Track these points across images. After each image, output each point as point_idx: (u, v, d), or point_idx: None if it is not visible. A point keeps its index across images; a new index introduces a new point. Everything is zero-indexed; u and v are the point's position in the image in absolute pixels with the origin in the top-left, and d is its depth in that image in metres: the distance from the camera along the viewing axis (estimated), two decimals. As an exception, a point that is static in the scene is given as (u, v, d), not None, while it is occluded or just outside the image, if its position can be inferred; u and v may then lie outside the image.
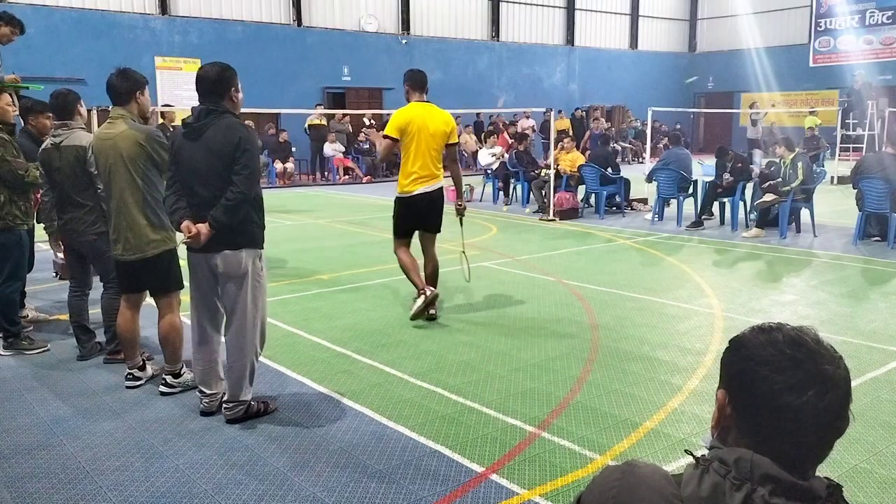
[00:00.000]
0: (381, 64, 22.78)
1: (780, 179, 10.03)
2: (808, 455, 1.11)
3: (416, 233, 6.10)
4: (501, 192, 14.37)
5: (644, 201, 13.00)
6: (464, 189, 14.78)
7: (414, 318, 5.83)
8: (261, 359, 4.89)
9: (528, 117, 22.21)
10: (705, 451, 1.20)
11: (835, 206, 12.86)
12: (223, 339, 4.14)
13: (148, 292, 4.60)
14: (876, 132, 17.06)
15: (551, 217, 11.72)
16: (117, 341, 4.84)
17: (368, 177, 19.23)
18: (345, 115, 20.26)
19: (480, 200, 14.53)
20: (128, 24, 18.63)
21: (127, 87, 4.36)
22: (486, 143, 16.11)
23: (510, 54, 25.85)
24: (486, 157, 14.93)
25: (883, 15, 25.31)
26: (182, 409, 4.21)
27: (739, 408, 1.16)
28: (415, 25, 23.61)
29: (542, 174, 12.82)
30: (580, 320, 6.00)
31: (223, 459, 3.56)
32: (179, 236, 4.05)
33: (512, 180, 14.22)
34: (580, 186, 12.81)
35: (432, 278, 6.04)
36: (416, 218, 5.98)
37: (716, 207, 11.37)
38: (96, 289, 5.27)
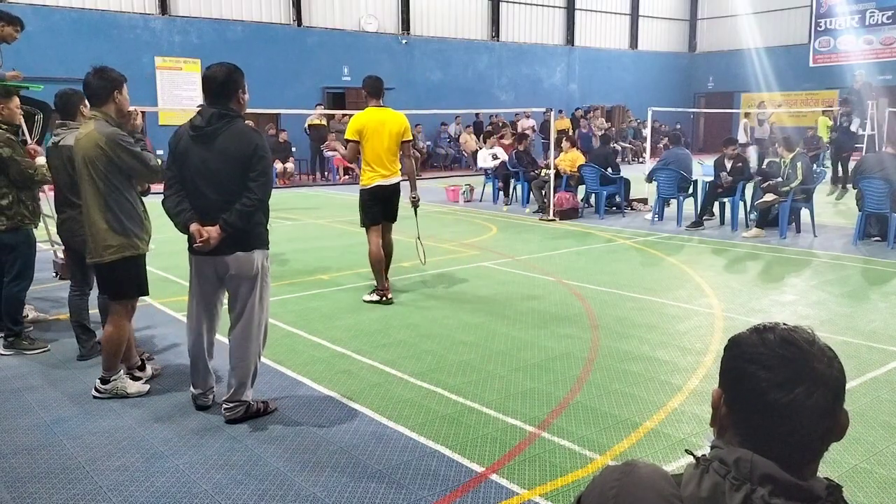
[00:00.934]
0: (382, 64, 22.74)
1: (779, 179, 10.02)
2: (798, 453, 1.11)
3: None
4: (501, 192, 14.38)
5: (644, 201, 13.00)
6: (464, 189, 14.83)
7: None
8: (262, 359, 4.92)
9: (528, 117, 22.21)
10: (707, 451, 1.20)
11: (835, 206, 12.86)
12: (216, 339, 4.18)
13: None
14: (869, 132, 17.04)
15: (551, 217, 11.72)
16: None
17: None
18: (344, 115, 20.27)
19: (480, 200, 14.53)
20: (128, 24, 18.63)
21: (103, 87, 4.24)
22: (485, 143, 16.11)
23: (510, 54, 25.85)
24: (486, 157, 14.93)
25: (883, 15, 25.31)
26: (182, 409, 4.21)
27: (732, 405, 1.17)
28: (415, 25, 23.60)
29: (542, 174, 12.82)
30: (580, 320, 6.00)
31: (223, 459, 3.56)
32: (181, 238, 4.05)
33: (512, 180, 14.22)
34: (580, 186, 12.81)
35: (387, 259, 6.77)
36: (381, 207, 6.64)
37: (716, 207, 11.37)
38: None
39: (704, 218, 11.15)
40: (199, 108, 3.92)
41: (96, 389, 4.39)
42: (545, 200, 12.15)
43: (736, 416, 1.16)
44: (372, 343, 5.40)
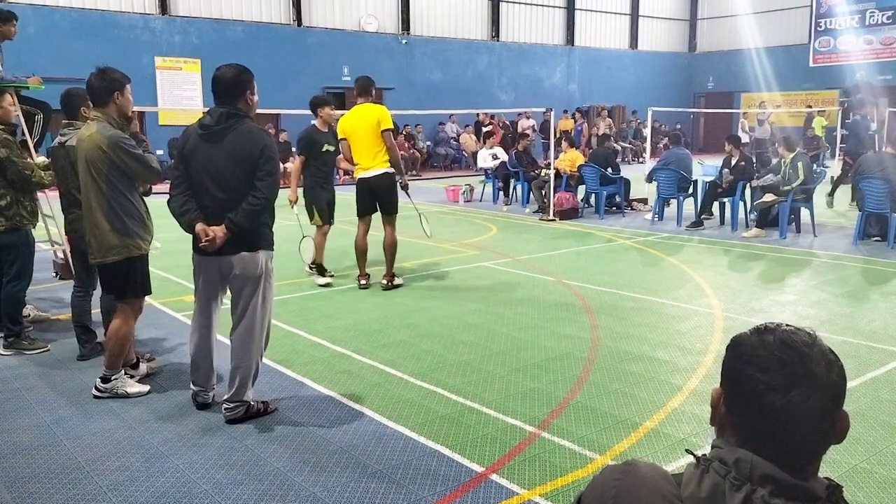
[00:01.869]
0: (381, 64, 22.76)
1: (779, 178, 10.02)
2: (796, 454, 1.11)
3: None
4: (501, 192, 14.38)
5: (644, 201, 13.00)
6: (464, 189, 14.83)
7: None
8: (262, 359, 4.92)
9: (528, 117, 22.21)
10: (707, 451, 1.20)
11: (835, 206, 12.86)
12: (217, 339, 4.19)
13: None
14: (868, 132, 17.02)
15: (551, 217, 11.72)
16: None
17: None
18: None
19: (480, 200, 14.53)
20: (128, 24, 18.63)
21: (103, 88, 4.24)
22: (485, 143, 16.11)
23: (510, 54, 25.85)
24: (486, 157, 14.93)
25: (883, 15, 25.30)
26: (182, 409, 4.21)
27: (730, 406, 1.17)
28: (415, 25, 23.60)
29: (542, 174, 12.82)
30: (580, 320, 6.00)
31: (223, 459, 3.56)
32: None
33: (512, 180, 14.22)
34: (580, 186, 12.81)
35: (388, 252, 7.09)
36: (364, 199, 7.01)
37: (716, 207, 11.37)
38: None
39: (704, 218, 11.15)
40: (207, 110, 3.93)
41: (97, 388, 4.40)
42: (545, 200, 12.15)
43: (734, 416, 1.16)
44: (372, 343, 5.40)
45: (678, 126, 23.20)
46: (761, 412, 1.11)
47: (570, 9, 27.34)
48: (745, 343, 1.17)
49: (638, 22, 29.60)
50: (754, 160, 11.87)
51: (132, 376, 4.62)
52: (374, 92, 7.05)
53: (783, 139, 10.43)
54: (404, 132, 21.62)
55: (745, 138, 20.58)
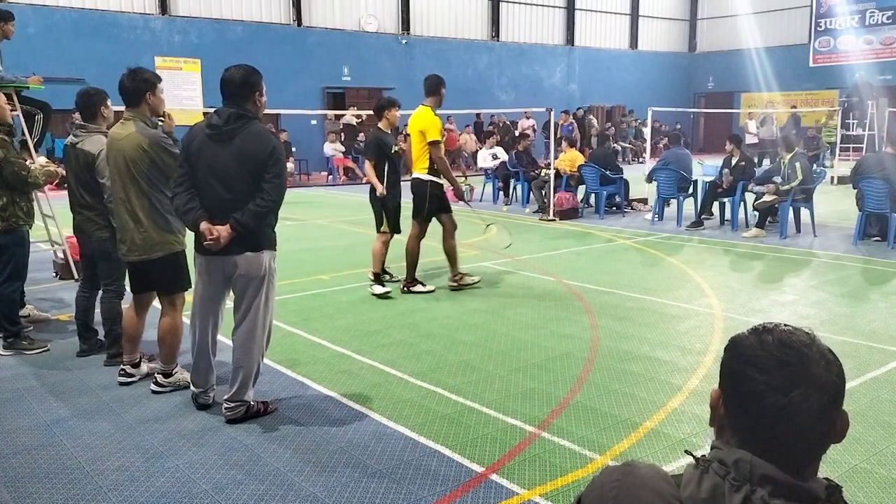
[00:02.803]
0: (381, 64, 22.78)
1: (779, 179, 10.02)
2: (795, 455, 1.11)
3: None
4: (501, 192, 14.37)
5: (644, 201, 13.00)
6: (464, 188, 14.85)
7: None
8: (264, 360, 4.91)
9: (528, 117, 22.20)
10: (707, 451, 1.20)
11: (835, 206, 12.86)
12: (218, 339, 4.19)
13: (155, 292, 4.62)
14: (868, 132, 17.04)
15: (551, 217, 11.72)
16: (118, 345, 4.85)
17: (369, 177, 19.24)
18: (339, 115, 20.27)
19: (480, 200, 14.52)
20: (128, 24, 18.64)
21: (136, 88, 4.34)
22: (485, 143, 16.11)
23: (510, 54, 25.85)
24: (486, 157, 14.93)
25: (883, 15, 25.31)
26: (182, 409, 4.21)
27: (729, 406, 1.17)
28: (415, 25, 23.61)
29: (542, 174, 12.82)
30: (580, 320, 6.00)
31: (223, 459, 3.56)
32: (189, 237, 4.06)
33: (512, 180, 14.22)
34: (580, 186, 12.81)
35: (448, 257, 7.07)
36: (413, 203, 7.03)
37: (716, 207, 11.37)
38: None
39: (704, 218, 11.15)
40: (214, 109, 3.94)
41: (157, 384, 4.45)
42: (545, 200, 12.15)
43: (733, 417, 1.16)
44: (372, 343, 5.40)
45: (678, 126, 23.22)
46: (761, 413, 1.11)
47: (570, 9, 27.35)
48: (743, 343, 1.17)
49: (638, 22, 29.60)
50: (756, 160, 11.89)
51: (132, 374, 4.64)
52: (441, 92, 6.94)
53: (782, 138, 10.43)
54: (404, 132, 21.62)
55: (751, 139, 20.57)
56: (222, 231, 3.78)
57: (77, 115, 5.09)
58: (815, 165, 13.78)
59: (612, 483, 1.19)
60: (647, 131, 16.57)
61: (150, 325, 4.87)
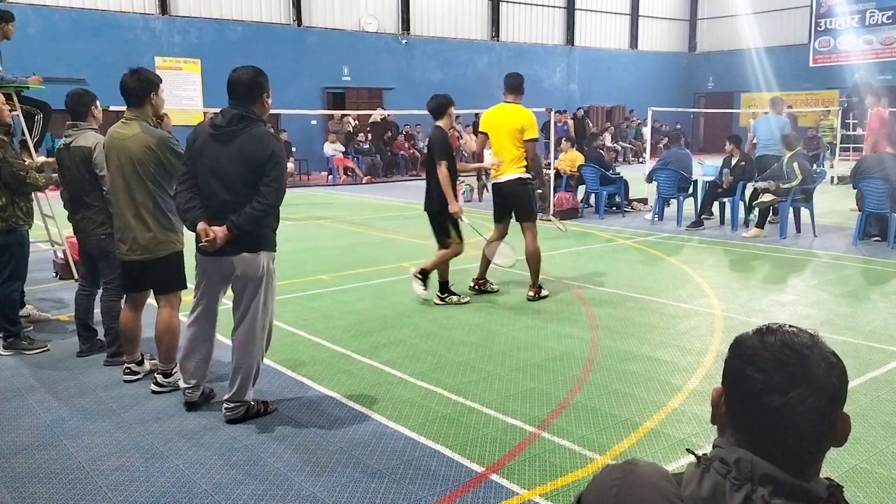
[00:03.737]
0: (381, 64, 22.77)
1: (770, 183, 10.02)
2: (793, 455, 1.11)
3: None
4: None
5: (644, 201, 13.00)
6: (464, 189, 14.80)
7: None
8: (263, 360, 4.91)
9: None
10: (707, 451, 1.20)
11: (835, 206, 12.86)
12: (217, 339, 4.20)
13: (151, 291, 4.62)
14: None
15: (551, 217, 11.71)
16: (118, 344, 4.85)
17: (368, 177, 19.25)
18: (343, 115, 20.27)
19: (480, 201, 14.53)
20: (128, 24, 18.64)
21: (140, 89, 4.36)
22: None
23: (510, 54, 25.85)
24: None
25: (883, 15, 25.31)
26: (182, 409, 4.20)
27: (730, 405, 1.18)
28: (415, 25, 23.61)
29: (543, 174, 12.82)
30: (580, 320, 6.00)
31: (223, 459, 3.56)
32: (189, 236, 4.06)
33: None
34: (580, 186, 12.81)
35: (530, 262, 6.67)
36: (498, 205, 6.82)
37: (716, 207, 11.37)
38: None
39: (704, 218, 11.15)
40: (220, 110, 3.94)
41: (157, 383, 4.45)
42: (545, 200, 12.15)
43: (733, 416, 1.17)
44: (372, 343, 5.40)
45: (678, 126, 23.21)
46: (759, 412, 1.11)
47: (570, 9, 27.35)
48: (746, 343, 1.17)
49: (638, 22, 29.60)
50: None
51: (136, 372, 4.65)
52: (523, 91, 6.84)
53: (783, 137, 10.42)
54: (404, 132, 21.63)
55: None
56: (219, 232, 3.78)
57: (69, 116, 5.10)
58: (814, 165, 13.77)
59: (612, 481, 1.19)
60: (646, 131, 16.55)
61: (148, 325, 4.87)
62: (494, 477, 3.38)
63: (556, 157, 12.58)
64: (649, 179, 12.04)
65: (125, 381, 4.62)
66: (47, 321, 6.07)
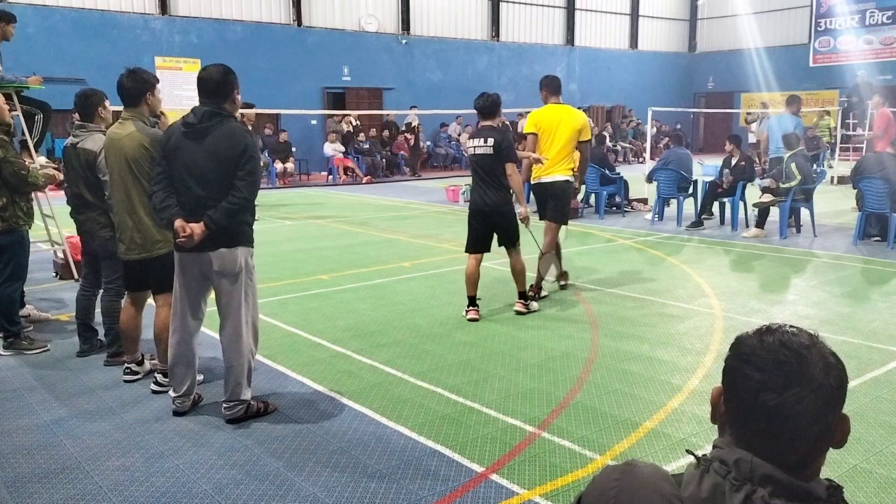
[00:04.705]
0: (381, 64, 22.76)
1: (771, 179, 10.03)
2: (790, 455, 1.11)
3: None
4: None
5: (644, 201, 13.00)
6: (463, 189, 14.80)
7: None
8: (261, 359, 4.92)
9: (522, 117, 22.19)
10: (707, 451, 1.20)
11: (835, 206, 12.86)
12: (202, 344, 4.20)
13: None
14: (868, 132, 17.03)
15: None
16: (118, 344, 4.85)
17: (368, 177, 19.24)
18: (345, 115, 20.25)
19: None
20: (128, 24, 18.63)
21: (136, 89, 4.38)
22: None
23: (510, 54, 25.84)
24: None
25: (883, 15, 25.30)
26: (182, 409, 4.21)
27: (728, 404, 1.18)
28: (415, 25, 23.60)
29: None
30: (580, 320, 6.00)
31: (223, 459, 3.56)
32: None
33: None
34: (580, 186, 12.78)
35: (542, 259, 6.79)
36: (540, 204, 6.90)
37: (716, 207, 11.37)
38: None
39: (704, 218, 11.15)
40: (192, 108, 3.96)
41: (157, 383, 4.46)
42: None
43: (732, 415, 1.17)
44: (372, 343, 5.40)
45: (678, 126, 23.20)
46: (757, 411, 1.11)
47: (570, 9, 27.34)
48: (745, 343, 1.17)
49: (638, 22, 29.59)
50: (758, 159, 11.87)
51: (137, 372, 4.66)
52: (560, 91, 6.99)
53: (783, 137, 10.42)
54: (406, 127, 21.61)
55: (752, 138, 20.56)
56: (196, 228, 3.78)
57: (76, 116, 5.11)
58: (814, 165, 13.77)
59: (612, 482, 1.19)
60: (647, 131, 16.54)
61: (147, 325, 4.87)
62: (494, 477, 3.38)
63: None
64: (649, 179, 12.04)
65: (125, 381, 4.63)
66: (47, 321, 6.07)
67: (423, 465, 3.49)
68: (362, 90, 22.57)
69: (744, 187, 10.73)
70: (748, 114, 22.58)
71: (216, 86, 3.87)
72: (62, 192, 5.64)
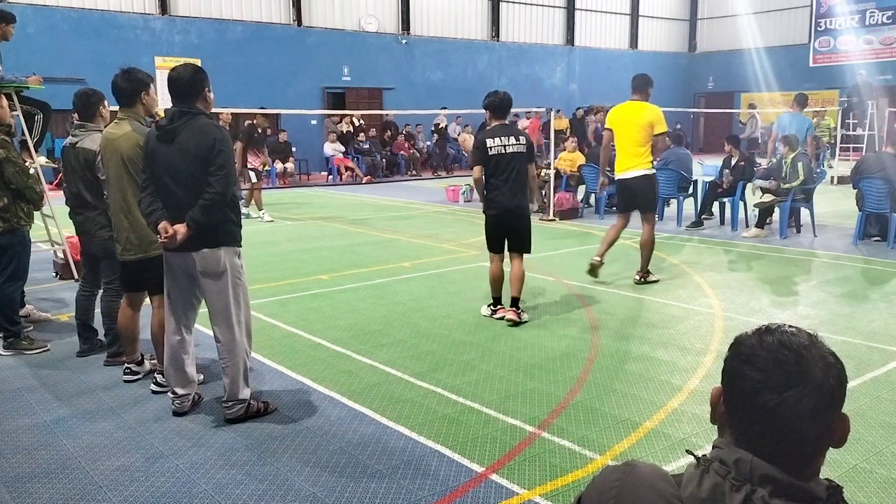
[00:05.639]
0: (381, 64, 22.76)
1: (772, 181, 10.02)
2: (789, 455, 1.11)
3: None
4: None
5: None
6: (463, 189, 14.80)
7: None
8: (262, 359, 4.93)
9: (527, 118, 22.19)
10: (707, 451, 1.20)
11: (835, 206, 12.86)
12: (196, 344, 4.19)
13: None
14: (868, 132, 17.05)
15: (551, 217, 11.71)
16: (118, 344, 4.85)
17: (368, 177, 19.24)
18: (344, 115, 20.26)
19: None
20: (128, 24, 18.63)
21: (131, 89, 4.38)
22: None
23: (510, 54, 25.84)
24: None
25: (883, 15, 25.30)
26: (182, 409, 4.20)
27: (728, 404, 1.18)
28: (415, 25, 23.60)
29: (542, 174, 12.82)
30: (580, 320, 6.00)
31: (223, 459, 3.56)
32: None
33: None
34: (580, 186, 12.80)
35: (645, 250, 7.19)
36: (624, 199, 7.31)
37: (716, 207, 11.37)
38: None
39: (704, 218, 11.14)
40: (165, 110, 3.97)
41: (157, 383, 4.46)
42: (545, 200, 12.15)
43: (731, 415, 1.17)
44: (372, 343, 5.40)
45: (678, 126, 23.20)
46: (756, 411, 1.11)
47: (570, 9, 27.34)
48: (745, 343, 1.17)
49: (638, 22, 29.60)
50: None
51: (137, 372, 4.66)
52: (650, 92, 7.23)
53: (783, 138, 10.41)
54: (404, 132, 21.62)
55: (746, 130, 20.59)
56: (179, 229, 3.78)
57: (76, 116, 5.10)
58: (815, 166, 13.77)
59: (612, 483, 1.19)
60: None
61: (145, 326, 4.87)
62: (494, 477, 3.38)
63: (555, 157, 12.57)
64: (649, 179, 12.01)
65: (125, 381, 4.63)
66: (47, 321, 6.07)
67: (422, 465, 3.49)
68: (362, 90, 22.57)
69: (744, 187, 10.73)
70: (748, 113, 22.59)
71: (186, 85, 3.87)
72: (62, 192, 5.64)
